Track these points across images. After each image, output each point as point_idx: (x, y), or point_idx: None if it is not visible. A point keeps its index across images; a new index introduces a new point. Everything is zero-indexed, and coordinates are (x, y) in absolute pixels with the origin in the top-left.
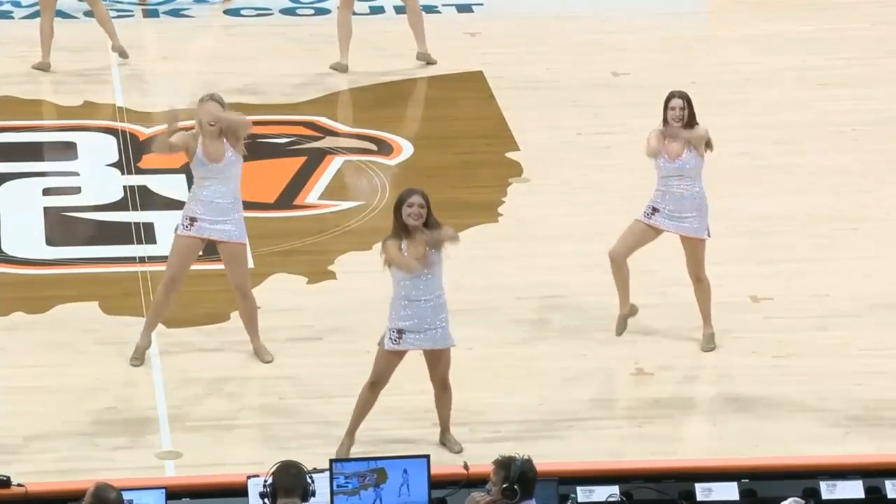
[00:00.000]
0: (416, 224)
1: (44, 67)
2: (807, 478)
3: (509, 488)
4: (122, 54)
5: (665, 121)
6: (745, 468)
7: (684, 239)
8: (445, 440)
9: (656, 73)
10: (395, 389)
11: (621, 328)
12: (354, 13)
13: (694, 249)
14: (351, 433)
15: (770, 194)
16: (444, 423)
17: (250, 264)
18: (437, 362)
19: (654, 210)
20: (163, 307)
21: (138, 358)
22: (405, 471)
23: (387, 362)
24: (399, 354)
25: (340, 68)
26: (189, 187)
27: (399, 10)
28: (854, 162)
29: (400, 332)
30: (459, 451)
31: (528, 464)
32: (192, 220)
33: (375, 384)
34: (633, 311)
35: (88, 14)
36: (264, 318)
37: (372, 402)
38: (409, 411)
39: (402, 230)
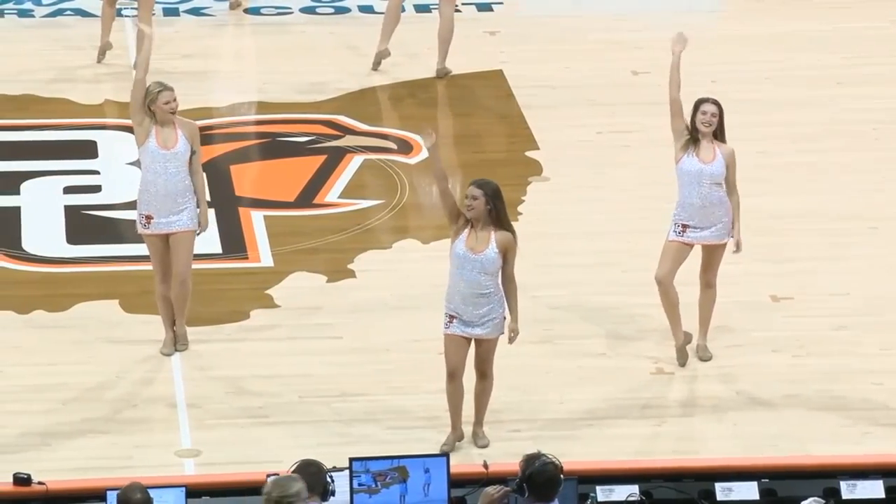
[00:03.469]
0: (471, 216)
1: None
2: (827, 477)
3: (518, 485)
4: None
5: (693, 125)
6: (764, 468)
7: (712, 246)
8: (473, 434)
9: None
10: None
11: (683, 359)
12: (375, 12)
13: (715, 255)
14: (455, 427)
15: (788, 193)
16: (478, 415)
17: (270, 262)
18: (478, 351)
19: (685, 227)
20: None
21: (168, 348)
22: (426, 469)
23: (447, 348)
24: (453, 339)
25: (383, 55)
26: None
27: (420, 8)
28: (872, 160)
29: (451, 317)
30: (484, 446)
31: (545, 467)
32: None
33: (449, 374)
34: (687, 339)
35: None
36: (285, 316)
37: (455, 391)
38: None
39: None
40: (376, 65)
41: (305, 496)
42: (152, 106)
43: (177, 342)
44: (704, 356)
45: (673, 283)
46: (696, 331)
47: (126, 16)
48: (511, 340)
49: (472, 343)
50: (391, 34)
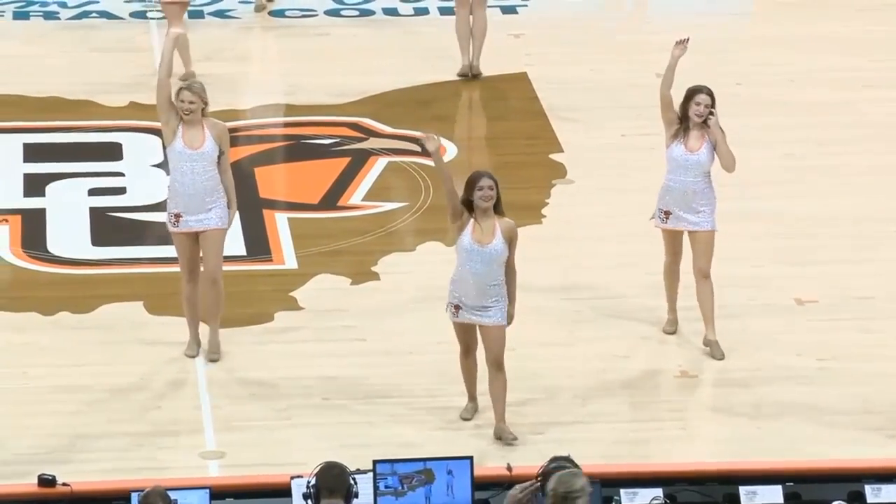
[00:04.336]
0: (486, 206)
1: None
2: (852, 481)
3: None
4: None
5: (685, 114)
6: (789, 471)
7: (697, 233)
8: (500, 431)
9: (700, 74)
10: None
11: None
12: (399, 14)
13: (707, 244)
14: (472, 397)
15: (813, 195)
16: (500, 411)
17: (294, 264)
18: (486, 339)
19: (667, 213)
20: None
21: (192, 349)
22: (450, 471)
23: (456, 331)
24: (461, 324)
25: (465, 70)
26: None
27: (444, 11)
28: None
29: (456, 307)
30: (515, 439)
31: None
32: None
33: (464, 351)
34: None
35: (134, 15)
36: (308, 318)
37: (470, 365)
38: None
39: (468, 209)
40: (464, 76)
41: (589, 490)
42: (176, 101)
43: (209, 351)
44: (717, 354)
45: (677, 271)
46: (703, 328)
47: (151, 18)
48: (507, 325)
49: (480, 334)
50: (469, 48)
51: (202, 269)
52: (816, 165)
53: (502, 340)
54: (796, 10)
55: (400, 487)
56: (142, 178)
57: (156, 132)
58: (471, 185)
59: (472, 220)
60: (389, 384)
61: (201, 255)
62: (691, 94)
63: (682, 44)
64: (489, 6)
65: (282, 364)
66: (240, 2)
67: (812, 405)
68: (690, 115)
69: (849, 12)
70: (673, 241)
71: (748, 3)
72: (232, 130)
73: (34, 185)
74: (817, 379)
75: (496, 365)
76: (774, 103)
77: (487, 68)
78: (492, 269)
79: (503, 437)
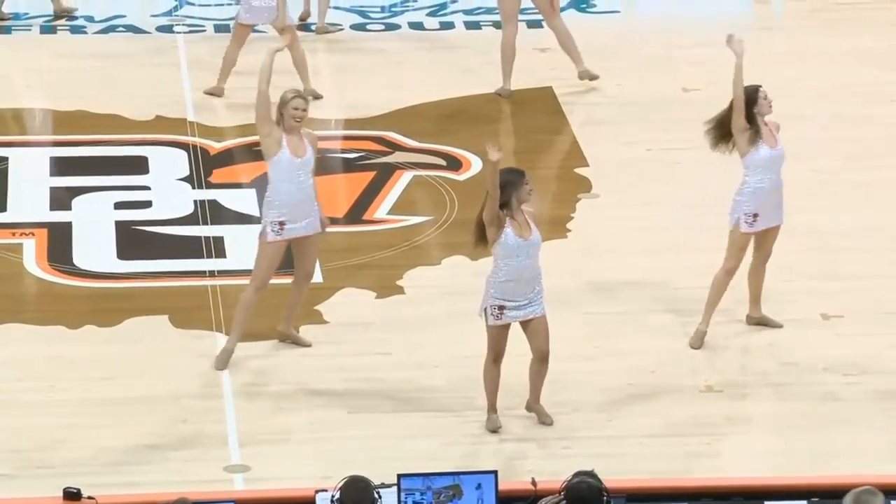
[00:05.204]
0: (529, 200)
1: (217, 93)
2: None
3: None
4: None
5: (753, 114)
6: (814, 486)
7: (774, 229)
8: (536, 410)
9: (727, 88)
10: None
11: (698, 342)
12: (424, 28)
13: (774, 236)
14: (495, 408)
15: (842, 210)
16: (535, 393)
17: (320, 278)
18: (535, 332)
19: (755, 216)
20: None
21: (223, 361)
22: (479, 486)
23: (496, 336)
24: (503, 328)
25: (504, 93)
26: (260, 200)
27: (470, 25)
28: None
29: (500, 308)
30: (550, 424)
31: (579, 485)
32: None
33: (495, 359)
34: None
35: (161, 29)
36: (334, 333)
37: (497, 375)
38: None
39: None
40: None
41: None
42: (283, 110)
43: (300, 343)
44: (773, 323)
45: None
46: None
47: (178, 32)
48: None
49: (525, 331)
50: (511, 72)
51: (303, 270)
52: (845, 180)
53: (547, 330)
54: (824, 25)
55: (428, 501)
56: (168, 191)
57: (182, 146)
58: (515, 184)
59: (507, 218)
60: (415, 398)
61: (296, 259)
62: (754, 93)
63: (734, 40)
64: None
65: (307, 378)
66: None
67: (838, 419)
68: (763, 109)
69: (879, 27)
70: (765, 241)
71: (776, 17)
72: (257, 144)
73: (61, 199)
74: (844, 394)
75: (543, 357)
76: (803, 117)
77: (513, 83)
78: (536, 259)
79: (540, 417)
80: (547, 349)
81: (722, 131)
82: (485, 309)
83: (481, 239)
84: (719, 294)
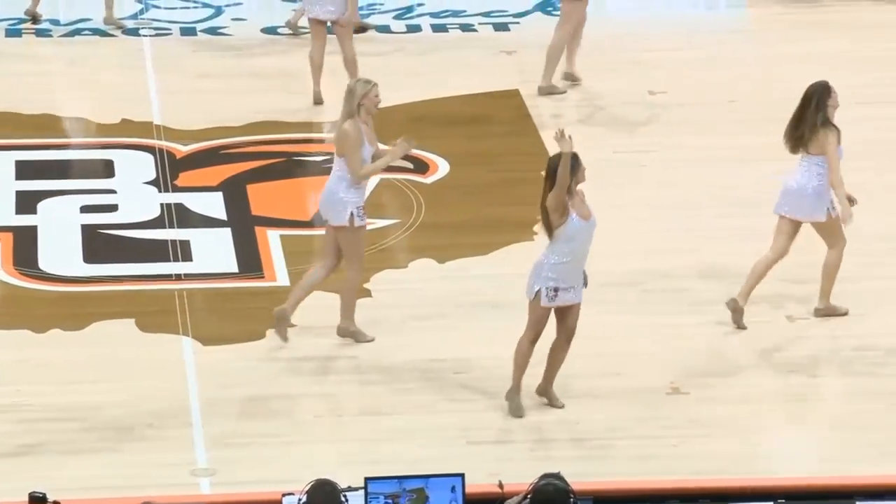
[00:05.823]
0: (584, 179)
1: (317, 99)
2: (844, 497)
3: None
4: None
5: (828, 111)
6: (780, 488)
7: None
8: (549, 395)
9: (693, 91)
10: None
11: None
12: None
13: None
14: (520, 389)
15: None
16: (550, 377)
17: (287, 282)
18: (570, 317)
19: (833, 205)
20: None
21: (282, 330)
22: (449, 488)
23: (541, 316)
24: (548, 310)
25: (548, 90)
26: (227, 205)
27: (436, 28)
28: None
29: (556, 290)
30: (562, 407)
31: (545, 486)
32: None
33: (534, 340)
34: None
35: (127, 32)
36: (300, 335)
37: (529, 356)
38: (439, 431)
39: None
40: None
41: None
42: (363, 101)
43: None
44: (841, 310)
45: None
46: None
47: (144, 35)
48: None
49: (566, 314)
50: (553, 71)
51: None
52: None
53: (578, 316)
54: (792, 29)
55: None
56: (134, 195)
57: (148, 149)
58: (575, 168)
59: (569, 201)
60: (383, 401)
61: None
62: (827, 89)
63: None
64: (482, 23)
65: (274, 381)
66: (232, 20)
67: (805, 422)
68: (837, 102)
69: (846, 31)
70: (841, 228)
71: (743, 20)
72: (224, 147)
73: (26, 203)
74: (808, 395)
75: (569, 340)
76: (769, 120)
77: (479, 85)
78: (591, 240)
79: (554, 402)
80: (573, 332)
81: (798, 133)
82: (538, 290)
83: (550, 227)
84: (761, 275)
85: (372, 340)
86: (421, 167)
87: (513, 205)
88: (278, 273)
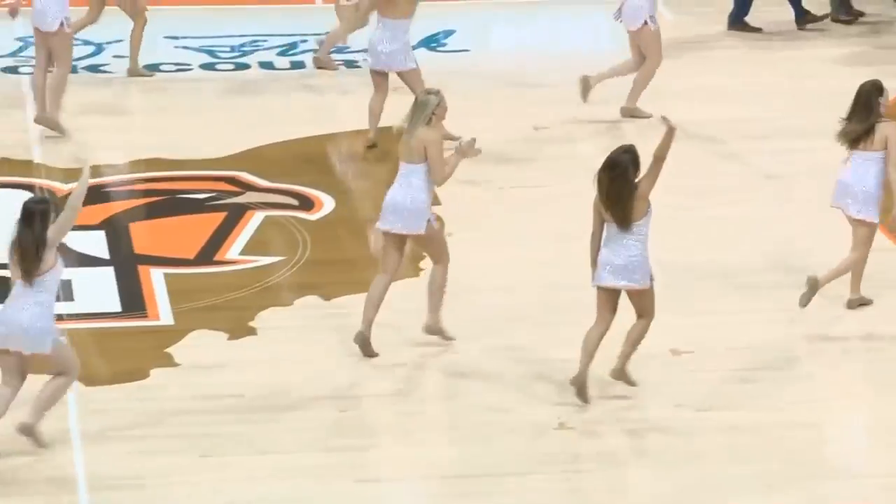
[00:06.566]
0: None
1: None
2: None
3: None
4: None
5: (880, 110)
6: None
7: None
8: (620, 374)
9: (578, 127)
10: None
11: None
12: (275, 68)
13: None
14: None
15: (695, 245)
16: (623, 355)
17: (171, 321)
18: (632, 298)
19: None
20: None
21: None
22: None
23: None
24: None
25: (631, 113)
26: (110, 243)
27: (350, 65)
28: (781, 213)
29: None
30: (634, 385)
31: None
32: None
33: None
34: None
35: (6, 70)
36: (185, 375)
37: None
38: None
39: None
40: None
41: None
42: (437, 110)
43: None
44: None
45: None
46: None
47: (23, 73)
48: None
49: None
50: (638, 96)
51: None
52: (699, 216)
53: (643, 298)
54: (676, 65)
55: None
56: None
57: (27, 188)
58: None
59: None
60: (269, 440)
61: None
62: (880, 90)
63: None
64: (365, 59)
65: (158, 420)
66: (114, 57)
67: (691, 456)
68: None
69: (734, 66)
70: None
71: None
72: (106, 185)
73: None
74: (696, 429)
75: (638, 314)
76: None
77: (365, 121)
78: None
79: (627, 379)
80: (640, 310)
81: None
82: (651, 276)
83: (626, 218)
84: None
85: (454, 339)
86: (306, 204)
87: None
88: (161, 312)
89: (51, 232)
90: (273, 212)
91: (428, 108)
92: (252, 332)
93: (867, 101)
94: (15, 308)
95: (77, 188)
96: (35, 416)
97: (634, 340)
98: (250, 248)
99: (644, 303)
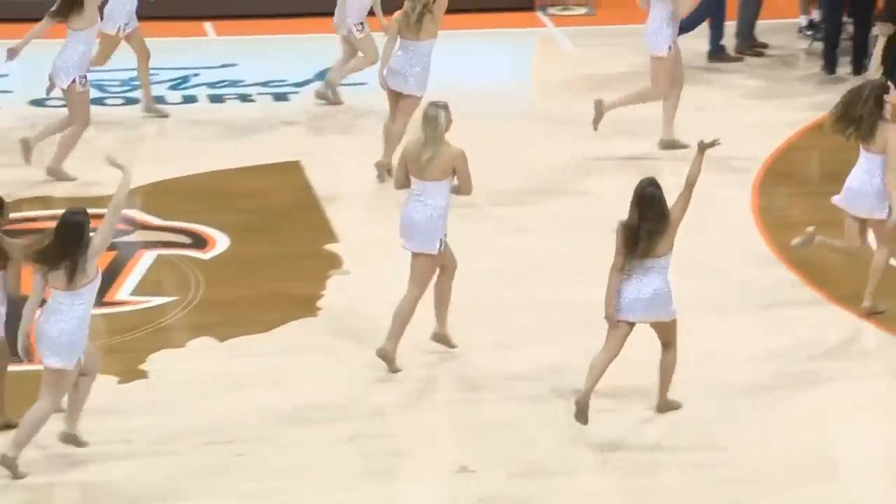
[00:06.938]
0: None
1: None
2: None
3: None
4: None
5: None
6: None
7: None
8: (666, 406)
9: (499, 159)
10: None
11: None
12: (166, 102)
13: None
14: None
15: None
16: (663, 387)
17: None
18: (658, 330)
19: None
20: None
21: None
22: None
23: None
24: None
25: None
26: None
27: (213, 99)
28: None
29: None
30: (679, 407)
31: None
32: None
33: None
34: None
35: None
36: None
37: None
38: None
39: None
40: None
41: None
42: (449, 125)
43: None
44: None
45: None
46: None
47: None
48: None
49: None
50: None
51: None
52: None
53: (668, 330)
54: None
55: None
56: None
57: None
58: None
59: None
60: (160, 485)
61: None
62: (888, 88)
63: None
64: (261, 93)
65: (46, 468)
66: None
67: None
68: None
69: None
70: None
71: (528, 87)
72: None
73: None
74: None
75: (665, 346)
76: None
77: (259, 157)
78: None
79: (672, 404)
80: (665, 341)
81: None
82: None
83: (659, 250)
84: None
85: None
86: (199, 242)
87: (295, 280)
88: None
89: (96, 239)
90: (165, 251)
91: (440, 123)
92: (143, 375)
93: (878, 97)
94: (52, 323)
95: (119, 191)
96: (71, 423)
97: (670, 372)
98: (142, 289)
99: (670, 333)
